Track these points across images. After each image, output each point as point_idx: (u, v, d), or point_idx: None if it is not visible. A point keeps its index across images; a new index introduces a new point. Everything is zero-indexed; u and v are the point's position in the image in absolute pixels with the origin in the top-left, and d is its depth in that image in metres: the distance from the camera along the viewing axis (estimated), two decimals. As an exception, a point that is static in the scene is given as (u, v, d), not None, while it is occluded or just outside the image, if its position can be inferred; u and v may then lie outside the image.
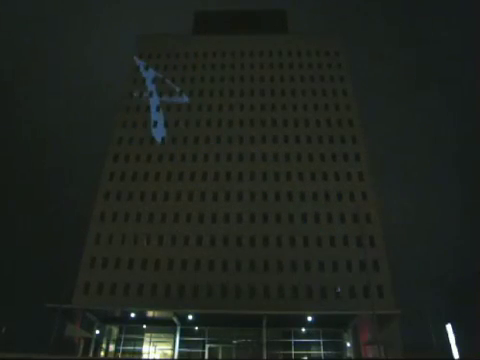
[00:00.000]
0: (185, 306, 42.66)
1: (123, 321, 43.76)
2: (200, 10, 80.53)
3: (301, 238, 49.50)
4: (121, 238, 50.52)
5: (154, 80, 65.23)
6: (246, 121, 59.92)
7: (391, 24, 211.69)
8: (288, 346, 43.51)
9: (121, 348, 44.72)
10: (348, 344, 42.78)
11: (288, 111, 60.59)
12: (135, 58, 67.75)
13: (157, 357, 44.93)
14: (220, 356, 43.13)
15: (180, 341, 42.61)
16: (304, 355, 43.49)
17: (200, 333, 44.16)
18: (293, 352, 43.09)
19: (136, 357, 44.38)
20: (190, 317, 40.72)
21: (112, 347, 44.67)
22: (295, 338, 43.81)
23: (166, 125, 60.15)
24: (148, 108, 62.10)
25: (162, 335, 44.93)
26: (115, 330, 45.28)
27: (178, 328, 42.72)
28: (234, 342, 43.03)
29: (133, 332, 44.98)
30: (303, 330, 43.52)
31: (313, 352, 43.50)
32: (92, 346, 41.19)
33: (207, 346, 43.69)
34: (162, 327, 43.88)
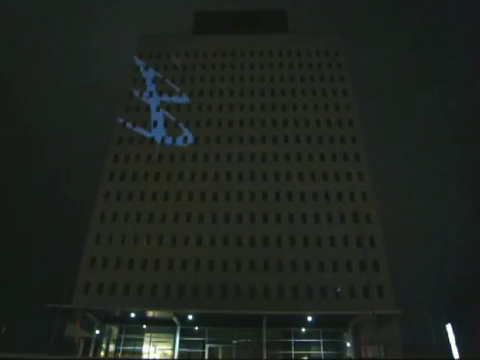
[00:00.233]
0: (185, 306, 42.66)
1: (123, 321, 43.75)
2: (200, 10, 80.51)
3: (301, 238, 49.51)
4: (121, 238, 50.54)
5: (154, 80, 65.23)
6: (246, 121, 59.94)
7: (391, 24, 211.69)
8: (288, 346, 43.51)
9: (121, 348, 44.72)
10: (348, 344, 42.78)
11: (288, 111, 60.60)
12: (135, 58, 67.75)
13: (157, 357, 44.92)
14: (220, 356, 43.13)
15: (180, 341, 42.61)
16: (304, 355, 43.48)
17: (200, 333, 44.16)
18: (293, 352, 43.09)
19: (136, 357, 44.38)
20: (190, 317, 40.72)
21: (112, 347, 44.66)
22: (295, 338, 43.81)
23: (166, 125, 60.17)
24: (148, 108, 62.12)
25: (162, 335, 44.93)
26: (115, 330, 45.28)
27: (178, 328, 42.72)
28: (234, 342, 43.03)
29: (133, 332, 44.98)
30: (303, 330, 43.52)
31: (313, 352, 43.50)
32: (92, 346, 41.19)
33: (207, 346, 43.69)
34: (162, 327, 43.88)
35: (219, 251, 49.11)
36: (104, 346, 43.67)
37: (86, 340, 42.52)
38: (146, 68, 66.63)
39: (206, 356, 43.13)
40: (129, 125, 60.24)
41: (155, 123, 60.44)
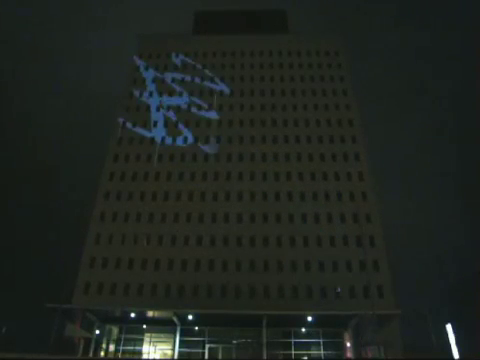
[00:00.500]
0: (185, 306, 42.65)
1: (123, 321, 43.74)
2: (200, 10, 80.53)
3: (301, 238, 49.51)
4: (121, 238, 50.54)
5: (154, 80, 65.23)
6: (246, 121, 59.95)
7: (391, 24, 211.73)
8: (288, 346, 43.51)
9: (121, 348, 44.72)
10: (348, 344, 42.77)
11: (288, 111, 60.61)
12: (135, 58, 67.75)
13: (157, 357, 44.92)
14: (220, 356, 43.12)
15: (180, 341, 42.60)
16: (304, 355, 43.48)
17: (200, 333, 44.16)
18: (293, 352, 43.09)
19: (136, 357, 44.38)
20: (190, 317, 40.71)
21: (112, 347, 44.66)
22: (295, 338, 43.81)
23: (166, 125, 60.17)
24: (148, 108, 62.11)
25: (162, 335, 44.93)
26: (115, 330, 45.28)
27: (178, 328, 42.71)
28: (234, 342, 43.02)
29: (133, 332, 44.98)
30: (303, 330, 43.52)
31: (313, 352, 43.49)
32: (92, 346, 41.19)
33: (207, 346, 43.69)
34: (162, 327, 43.88)
35: (219, 251, 49.11)
36: (104, 346, 43.66)
37: (86, 340, 42.50)
38: (146, 68, 66.63)
39: (206, 356, 43.13)
40: (129, 125, 60.24)
41: (155, 123, 60.44)
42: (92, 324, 41.83)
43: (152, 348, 44.52)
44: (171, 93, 63.73)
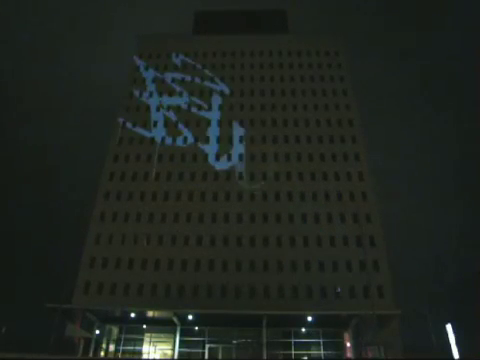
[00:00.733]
0: (185, 306, 42.66)
1: (123, 321, 43.76)
2: (200, 10, 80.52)
3: (301, 238, 49.52)
4: (121, 238, 50.54)
5: (154, 80, 65.23)
6: (246, 121, 59.96)
7: (391, 24, 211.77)
8: (288, 346, 43.52)
9: (121, 348, 44.72)
10: (348, 344, 42.76)
11: (288, 111, 60.61)
12: (135, 58, 67.75)
13: (157, 357, 44.93)
14: (220, 356, 43.13)
15: (180, 341, 42.60)
16: (304, 355, 43.48)
17: (200, 333, 44.16)
18: (293, 352, 43.09)
19: (136, 357, 44.39)
20: (190, 317, 40.72)
21: (112, 347, 44.67)
22: (295, 338, 43.81)
23: (166, 125, 60.17)
24: (148, 108, 62.12)
25: (162, 335, 44.94)
26: (115, 330, 45.28)
27: (178, 328, 42.72)
28: (234, 342, 43.03)
29: (133, 332, 44.99)
30: (303, 330, 43.53)
31: (313, 352, 43.49)
32: (92, 346, 41.20)
33: (207, 346, 43.70)
34: (162, 327, 43.89)
35: (219, 251, 49.11)
36: (104, 346, 43.67)
37: (86, 340, 42.53)
38: (146, 68, 66.62)
39: (206, 356, 43.13)
40: (129, 125, 60.25)
41: (155, 123, 60.44)
42: (92, 324, 41.84)
43: (152, 348, 44.54)
44: (171, 93, 63.73)
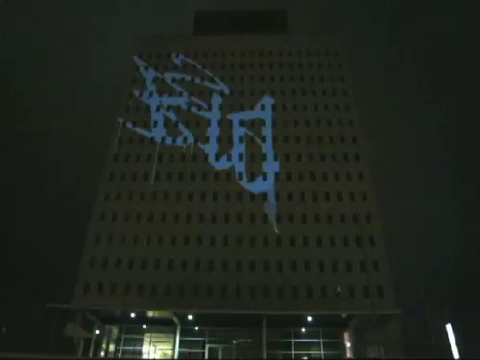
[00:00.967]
0: (185, 306, 42.66)
1: (123, 321, 43.77)
2: (200, 10, 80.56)
3: (301, 238, 49.51)
4: (121, 238, 50.55)
5: (154, 80, 65.22)
6: (246, 121, 59.99)
7: (392, 24, 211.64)
8: (288, 346, 43.53)
9: (121, 348, 44.75)
10: (348, 344, 42.78)
11: (288, 111, 60.61)
12: (135, 58, 67.75)
13: (157, 357, 44.99)
14: (220, 356, 43.14)
15: (180, 341, 42.59)
16: (304, 355, 43.50)
17: (200, 333, 44.18)
18: (293, 352, 43.10)
19: (136, 357, 44.40)
20: (190, 317, 40.73)
21: (112, 347, 44.69)
22: (295, 338, 43.82)
23: (166, 125, 60.16)
24: (148, 108, 62.11)
25: (162, 335, 44.99)
26: (115, 330, 45.29)
27: (178, 328, 42.72)
28: (234, 342, 43.03)
29: (133, 332, 45.01)
30: (303, 330, 43.53)
31: (313, 352, 43.52)
32: (92, 346, 41.19)
33: (207, 346, 43.72)
34: (162, 327, 43.90)
35: (219, 251, 49.11)
36: (104, 346, 43.70)
37: (86, 340, 42.53)
38: (146, 68, 66.61)
39: (206, 356, 43.15)
40: (129, 125, 60.24)
41: (155, 123, 60.44)
42: (92, 324, 41.84)
43: (152, 348, 44.59)
44: (171, 93, 63.73)
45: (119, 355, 44.02)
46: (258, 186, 53.71)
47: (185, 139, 58.59)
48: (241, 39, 68.95)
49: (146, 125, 60.23)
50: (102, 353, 42.82)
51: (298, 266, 47.80)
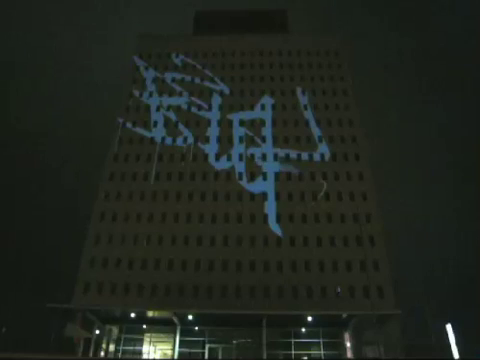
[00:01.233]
0: (185, 306, 42.67)
1: (123, 321, 43.78)
2: (200, 10, 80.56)
3: (301, 238, 49.51)
4: (121, 238, 50.54)
5: (154, 80, 65.22)
6: (246, 121, 59.98)
7: (392, 24, 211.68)
8: (288, 346, 43.53)
9: (121, 348, 44.76)
10: (348, 344, 42.80)
11: (288, 111, 60.62)
12: (135, 58, 67.75)
13: (157, 357, 44.99)
14: (220, 356, 43.15)
15: (180, 341, 42.62)
16: (304, 355, 43.50)
17: (200, 333, 44.19)
18: (293, 352, 43.11)
19: (136, 357, 44.41)
20: (190, 317, 40.73)
21: (112, 347, 44.69)
22: (295, 338, 43.83)
23: (166, 125, 60.16)
24: (148, 108, 62.12)
25: (162, 335, 44.99)
26: (115, 330, 45.29)
27: (178, 328, 42.73)
28: (234, 342, 43.04)
29: (133, 332, 45.02)
30: (303, 330, 43.53)
31: (313, 352, 43.52)
32: (92, 346, 41.20)
33: (207, 346, 43.73)
34: (162, 327, 43.90)
35: (219, 251, 49.11)
36: (104, 346, 43.69)
37: (86, 340, 42.54)
38: (146, 68, 66.61)
39: (206, 356, 43.15)
40: (129, 125, 60.24)
41: (155, 123, 60.44)
42: (92, 324, 41.84)
43: (152, 348, 44.59)
44: (171, 93, 63.72)
45: (119, 355, 44.02)
46: (258, 186, 53.71)
47: (185, 139, 58.59)
48: (241, 39, 68.95)
49: (146, 125, 60.23)
50: (102, 353, 42.81)
51: (298, 266, 47.80)
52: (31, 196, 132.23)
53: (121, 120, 60.67)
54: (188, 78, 65.16)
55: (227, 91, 63.47)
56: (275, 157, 56.09)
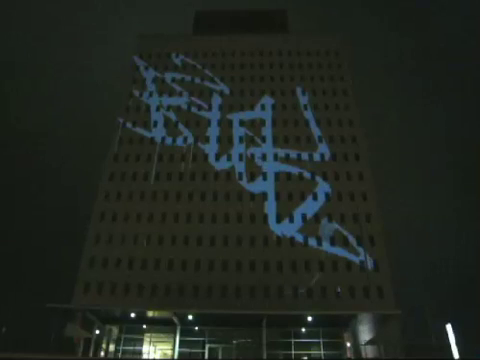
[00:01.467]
0: (185, 306, 42.66)
1: (123, 321, 43.74)
2: (200, 10, 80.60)
3: (301, 238, 49.49)
4: (121, 238, 50.53)
5: (154, 80, 65.22)
6: (246, 121, 59.99)
7: (392, 24, 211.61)
8: (288, 346, 43.50)
9: (121, 348, 44.73)
10: (348, 344, 42.78)
11: (288, 111, 60.62)
12: (135, 58, 67.76)
13: (157, 357, 44.98)
14: (220, 356, 43.13)
15: (180, 341, 42.58)
16: (304, 355, 43.48)
17: (200, 333, 44.16)
18: (293, 352, 43.07)
19: (136, 357, 44.39)
20: (190, 317, 40.69)
21: (112, 347, 44.66)
22: (295, 338, 43.78)
23: (166, 125, 60.16)
24: (148, 108, 62.11)
25: (162, 335, 44.96)
26: (115, 330, 45.26)
27: (178, 328, 42.70)
28: (234, 342, 43.02)
29: (133, 332, 44.98)
30: (303, 330, 43.49)
31: (313, 352, 43.49)
32: (92, 346, 41.18)
33: (207, 346, 43.70)
34: (162, 327, 43.86)
35: (219, 251, 49.10)
36: (104, 346, 43.67)
37: (86, 340, 42.53)
38: (146, 68, 66.62)
39: (206, 356, 43.14)
40: (129, 125, 60.24)
41: (155, 123, 60.44)
42: (92, 324, 41.80)
43: (152, 348, 44.56)
44: (171, 93, 63.73)
45: (119, 355, 44.00)
46: (258, 186, 53.71)
47: (185, 139, 58.58)
48: (241, 39, 68.96)
49: (146, 125, 60.23)
50: (102, 353, 42.79)
51: (298, 266, 47.78)
52: (31, 196, 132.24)
53: (121, 120, 60.68)
54: (188, 78, 65.17)
55: (227, 91, 63.47)
56: (275, 157, 56.08)
